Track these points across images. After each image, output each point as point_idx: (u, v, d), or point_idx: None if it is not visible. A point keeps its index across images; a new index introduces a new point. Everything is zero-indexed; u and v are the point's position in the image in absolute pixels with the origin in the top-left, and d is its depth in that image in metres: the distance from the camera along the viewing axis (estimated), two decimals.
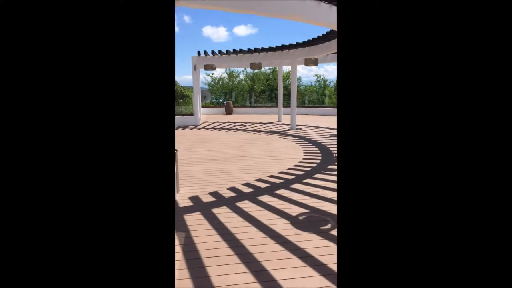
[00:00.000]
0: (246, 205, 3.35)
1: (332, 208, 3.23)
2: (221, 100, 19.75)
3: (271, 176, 4.47)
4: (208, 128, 10.03)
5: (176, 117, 11.03)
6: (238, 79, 20.33)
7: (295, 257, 2.30)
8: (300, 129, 9.52)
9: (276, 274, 2.08)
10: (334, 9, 4.45)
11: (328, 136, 8.21)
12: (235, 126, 10.49)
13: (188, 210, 3.23)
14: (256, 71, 19.56)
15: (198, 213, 3.16)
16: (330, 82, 20.49)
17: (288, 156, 5.86)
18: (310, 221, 2.95)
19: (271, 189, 3.90)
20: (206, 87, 20.47)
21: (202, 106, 14.80)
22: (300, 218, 3.03)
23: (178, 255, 2.33)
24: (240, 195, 3.69)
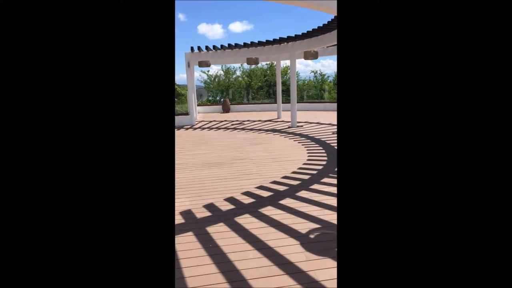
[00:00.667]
0: (246, 221, 2.88)
1: None
2: (217, 98, 19.22)
3: (274, 182, 3.99)
4: (204, 128, 9.53)
5: None
6: (234, 76, 19.78)
7: None
8: (301, 126, 9.04)
9: None
10: None
11: (331, 133, 7.73)
12: (232, 125, 10.00)
13: (178, 229, 2.75)
14: (253, 67, 19.02)
15: (190, 233, 2.67)
16: (328, 76, 20.00)
17: (291, 157, 5.38)
18: (323, 241, 2.47)
19: (275, 199, 3.42)
20: (202, 85, 19.92)
21: (198, 105, 14.29)
22: (311, 236, 2.56)
23: None
24: (240, 207, 3.21)
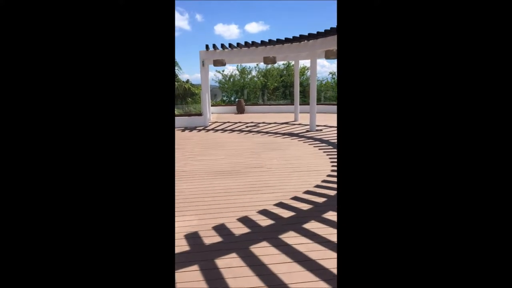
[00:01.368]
0: (264, 251, 2.34)
1: None
2: (232, 98, 18.79)
3: (296, 199, 3.44)
4: (217, 130, 9.06)
5: (183, 118, 10.10)
6: (250, 76, 19.31)
7: None
8: (321, 130, 8.43)
9: None
10: None
11: None
12: (247, 127, 9.49)
13: (181, 260, 2.25)
14: (269, 66, 18.50)
15: (195, 267, 2.16)
16: None
17: (312, 167, 4.81)
18: None
19: (298, 221, 2.87)
20: (217, 85, 19.54)
21: (212, 105, 13.88)
22: None
23: None
24: (256, 231, 2.68)
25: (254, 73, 19.36)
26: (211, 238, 2.58)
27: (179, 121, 9.98)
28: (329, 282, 1.95)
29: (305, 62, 18.16)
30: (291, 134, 7.99)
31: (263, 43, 9.04)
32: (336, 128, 8.39)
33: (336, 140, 6.89)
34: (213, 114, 12.95)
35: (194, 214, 3.08)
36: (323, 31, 7.42)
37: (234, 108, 14.15)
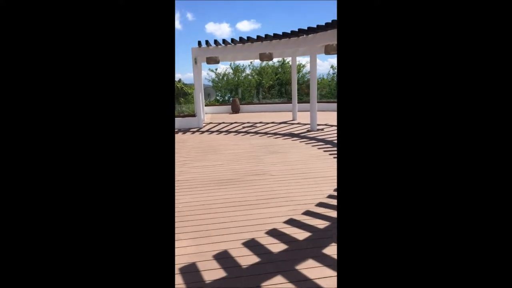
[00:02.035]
0: None
1: None
2: (226, 98, 18.25)
3: (309, 214, 2.97)
4: (212, 132, 8.55)
5: (177, 119, 9.56)
6: (244, 74, 18.77)
7: None
8: (322, 129, 7.98)
9: None
10: None
11: None
12: (243, 127, 9.00)
13: None
14: (264, 64, 18.00)
15: None
16: None
17: (320, 172, 4.34)
18: None
19: (316, 244, 2.40)
20: (210, 84, 18.98)
21: (206, 105, 13.33)
22: None
23: None
24: (266, 261, 2.20)
25: (248, 71, 18.82)
26: (211, 272, 2.09)
27: None
28: None
29: (300, 59, 17.70)
30: (291, 135, 7.52)
31: (259, 38, 8.54)
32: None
33: None
34: (207, 114, 12.42)
35: (190, 237, 2.59)
36: (324, 24, 6.95)
37: (228, 107, 13.63)
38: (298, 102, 11.66)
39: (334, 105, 12.72)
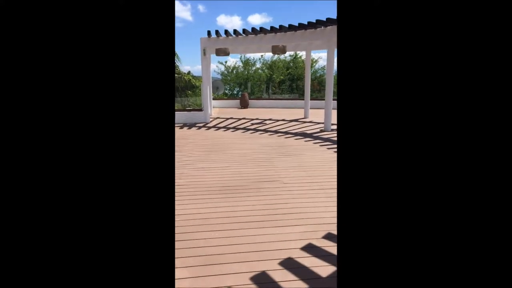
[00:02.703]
0: None
1: None
2: (235, 92, 17.71)
3: (330, 237, 2.46)
4: (219, 128, 8.06)
5: (182, 113, 9.09)
6: (254, 68, 18.19)
7: None
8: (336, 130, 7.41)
9: None
10: None
11: None
12: (252, 124, 8.49)
13: None
14: (275, 58, 17.38)
15: None
16: None
17: None
18: None
19: None
20: (219, 77, 18.45)
21: (214, 99, 12.84)
22: None
23: None
24: None
25: (258, 64, 18.24)
26: None
27: (177, 116, 8.97)
28: None
29: (312, 54, 17.04)
30: (303, 135, 6.98)
31: (272, 29, 7.97)
32: None
33: None
34: (214, 108, 11.94)
35: (188, 265, 2.10)
36: None
37: (237, 102, 13.12)
38: (310, 99, 11.08)
39: None
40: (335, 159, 4.89)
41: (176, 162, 4.69)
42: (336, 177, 4.03)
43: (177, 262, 2.12)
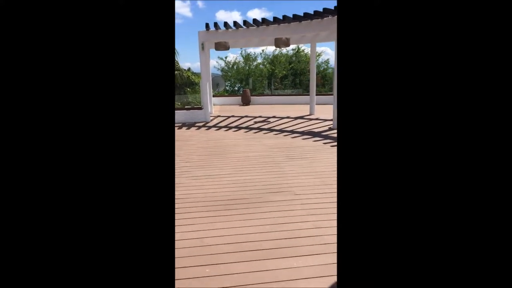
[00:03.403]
0: None
1: None
2: (236, 88, 17.15)
3: None
4: (220, 127, 7.54)
5: (181, 112, 8.57)
6: (255, 63, 17.59)
7: None
8: None
9: None
10: None
11: None
12: (255, 122, 7.96)
13: None
14: (277, 52, 16.77)
15: None
16: None
17: None
18: None
19: None
20: (219, 73, 17.87)
21: (214, 95, 12.30)
22: None
23: None
24: None
25: (259, 59, 17.62)
26: None
27: (176, 115, 8.45)
28: None
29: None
30: (311, 134, 6.45)
31: (275, 20, 7.39)
32: None
33: None
34: (215, 106, 11.41)
35: None
36: None
37: (238, 99, 12.58)
38: (304, 94, 10.50)
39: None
40: None
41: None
42: None
43: None
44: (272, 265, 2.02)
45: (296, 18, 7.12)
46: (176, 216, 2.75)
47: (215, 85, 13.70)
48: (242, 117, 8.95)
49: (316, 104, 9.77)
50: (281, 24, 7.66)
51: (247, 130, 7.08)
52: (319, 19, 7.05)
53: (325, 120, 7.97)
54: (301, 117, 8.61)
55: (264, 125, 7.63)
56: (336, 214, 2.78)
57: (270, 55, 17.32)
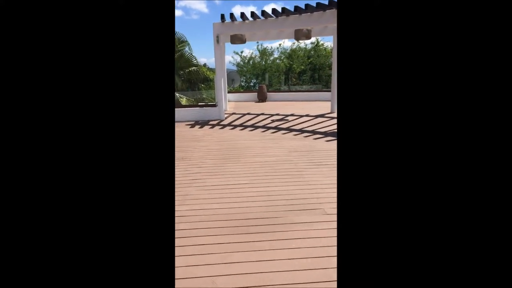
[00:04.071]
0: None
1: None
2: (251, 84, 16.59)
3: None
4: (236, 126, 7.03)
5: (194, 110, 8.11)
6: (272, 58, 16.95)
7: None
8: None
9: None
10: None
11: None
12: (273, 121, 7.41)
13: None
14: (295, 46, 16.06)
15: None
16: None
17: None
18: None
19: None
20: (235, 68, 17.35)
21: (229, 92, 11.80)
22: None
23: None
24: None
25: (276, 54, 16.97)
26: None
27: (188, 113, 8.00)
28: None
29: (330, 42, 15.67)
30: (335, 135, 5.83)
31: (296, 9, 6.78)
32: None
33: None
34: (230, 102, 10.91)
35: None
36: None
37: (254, 95, 12.03)
38: (323, 90, 9.83)
39: None
40: None
41: (180, 175, 3.70)
42: None
43: None
44: None
45: (319, 7, 6.47)
46: (182, 242, 2.26)
47: (230, 80, 13.20)
48: (258, 114, 8.41)
49: (329, 101, 9.10)
50: (303, 14, 7.03)
51: (264, 129, 6.54)
52: None
53: None
54: (322, 116, 7.98)
55: (282, 124, 7.06)
56: None
57: (287, 49, 16.65)
